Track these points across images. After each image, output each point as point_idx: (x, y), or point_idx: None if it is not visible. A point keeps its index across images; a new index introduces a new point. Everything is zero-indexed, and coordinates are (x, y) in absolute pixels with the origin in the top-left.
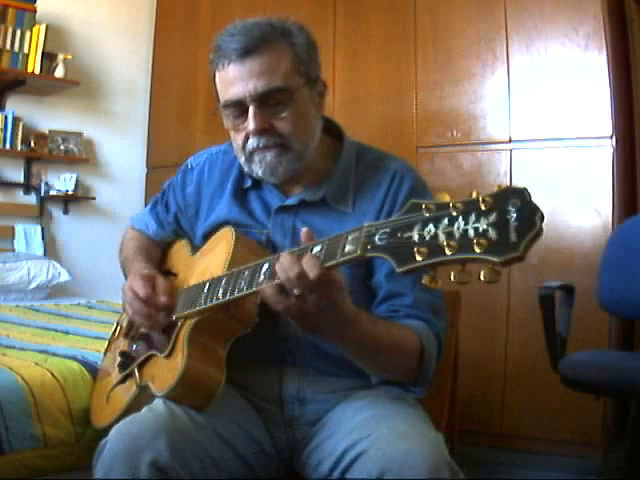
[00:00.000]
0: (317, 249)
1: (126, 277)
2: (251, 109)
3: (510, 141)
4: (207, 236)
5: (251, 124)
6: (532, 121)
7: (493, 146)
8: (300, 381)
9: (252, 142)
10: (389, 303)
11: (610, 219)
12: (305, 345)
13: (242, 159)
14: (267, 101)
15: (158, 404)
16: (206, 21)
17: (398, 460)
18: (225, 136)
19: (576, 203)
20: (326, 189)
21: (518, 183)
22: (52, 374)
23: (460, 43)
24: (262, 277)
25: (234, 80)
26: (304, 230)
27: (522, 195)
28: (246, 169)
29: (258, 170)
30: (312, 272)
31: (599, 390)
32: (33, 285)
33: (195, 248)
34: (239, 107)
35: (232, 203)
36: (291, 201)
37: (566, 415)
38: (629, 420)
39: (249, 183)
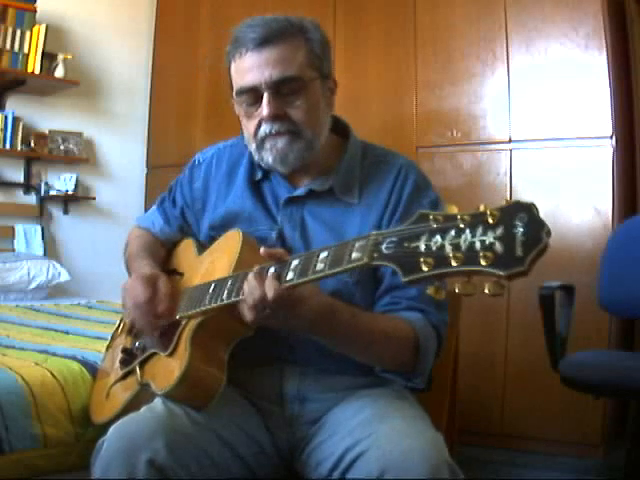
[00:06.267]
0: (324, 255)
1: (130, 276)
2: (265, 96)
3: (510, 141)
4: (214, 228)
5: (265, 110)
6: (532, 121)
7: (493, 146)
8: (300, 380)
9: (264, 128)
10: (392, 294)
11: (610, 219)
12: (306, 343)
13: (253, 146)
14: (281, 89)
15: (157, 404)
16: (206, 21)
17: (398, 460)
18: (225, 135)
19: (576, 203)
20: (334, 180)
21: (518, 183)
22: (52, 374)
23: (460, 43)
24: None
25: (250, 68)
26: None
27: (529, 210)
28: (256, 157)
29: (269, 157)
30: (270, 293)
31: (599, 390)
32: (33, 285)
33: (201, 247)
34: (253, 94)
35: (246, 195)
36: (299, 192)
37: (566, 415)
38: (629, 420)
39: (260, 175)
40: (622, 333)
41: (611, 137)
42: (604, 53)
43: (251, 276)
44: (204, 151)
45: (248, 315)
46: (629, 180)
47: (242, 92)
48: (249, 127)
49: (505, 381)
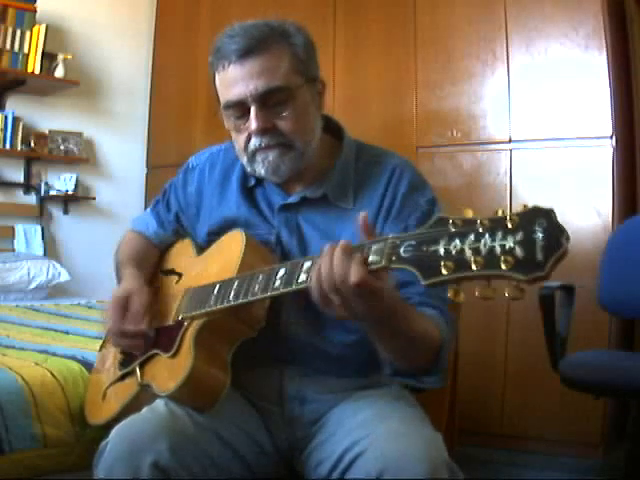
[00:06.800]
0: None
1: (119, 281)
2: (253, 109)
3: (510, 141)
4: (212, 234)
5: (253, 124)
6: (532, 121)
7: (493, 146)
8: (300, 381)
9: (254, 142)
10: (401, 291)
11: (610, 219)
12: (306, 345)
13: (244, 159)
14: (268, 101)
15: (159, 405)
16: (206, 21)
17: (397, 460)
18: (225, 136)
19: (576, 203)
20: (327, 186)
21: (518, 183)
22: (52, 374)
23: (460, 43)
24: (278, 282)
25: (235, 81)
26: (362, 215)
27: (549, 215)
28: (248, 169)
29: (261, 170)
30: (354, 277)
31: (599, 390)
32: (33, 285)
33: (200, 248)
34: (240, 107)
35: (240, 202)
36: (293, 199)
37: (566, 415)
38: (629, 420)
39: (253, 182)
40: (622, 333)
41: (611, 137)
42: (604, 53)
43: (337, 252)
44: (198, 155)
45: (323, 302)
46: (629, 180)
47: (229, 106)
48: (239, 140)
49: (505, 381)
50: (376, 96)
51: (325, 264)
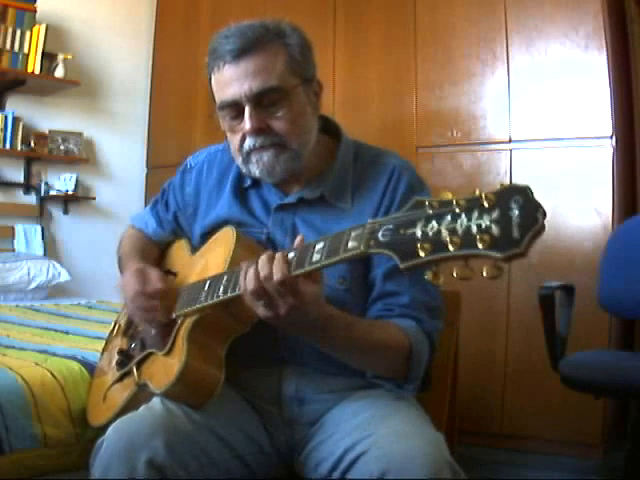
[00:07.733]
0: (320, 246)
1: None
2: (247, 109)
3: (510, 141)
4: (206, 235)
5: (247, 124)
6: (532, 121)
7: (493, 146)
8: (299, 381)
9: (249, 142)
10: (384, 302)
11: (610, 219)
12: (305, 344)
13: (239, 160)
14: (263, 101)
15: (155, 403)
16: (206, 21)
17: (399, 460)
18: (225, 136)
19: (576, 203)
20: (324, 186)
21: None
22: (52, 374)
23: (460, 43)
24: None
25: (229, 81)
26: (298, 239)
27: (524, 192)
28: (244, 170)
29: (256, 170)
30: (277, 275)
31: (599, 390)
32: (33, 285)
33: (194, 248)
34: (235, 108)
35: (232, 202)
36: (290, 199)
37: (566, 415)
38: (629, 420)
39: (249, 182)
40: (622, 333)
41: (611, 137)
42: (604, 53)
43: (263, 257)
44: (195, 154)
45: (251, 301)
46: (629, 180)
47: (223, 106)
48: (234, 141)
49: (505, 381)
50: (376, 96)
51: (253, 266)
